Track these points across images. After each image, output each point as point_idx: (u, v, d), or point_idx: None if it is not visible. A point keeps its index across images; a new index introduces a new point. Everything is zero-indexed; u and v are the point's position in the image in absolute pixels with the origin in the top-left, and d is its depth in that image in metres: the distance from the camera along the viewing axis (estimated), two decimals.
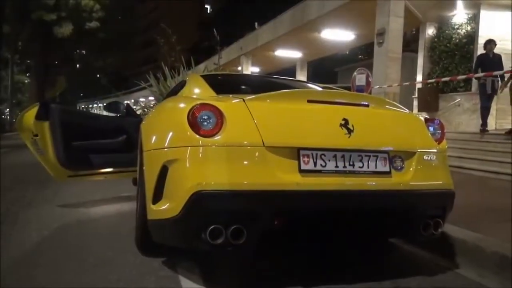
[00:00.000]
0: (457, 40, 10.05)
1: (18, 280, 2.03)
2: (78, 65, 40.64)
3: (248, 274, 2.26)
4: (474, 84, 9.33)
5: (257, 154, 1.88)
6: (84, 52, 33.21)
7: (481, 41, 9.10)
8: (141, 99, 31.40)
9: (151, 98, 14.00)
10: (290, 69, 18.69)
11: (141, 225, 2.29)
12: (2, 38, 19.95)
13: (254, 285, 2.03)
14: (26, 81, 32.08)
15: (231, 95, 2.19)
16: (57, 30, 23.52)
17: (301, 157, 1.94)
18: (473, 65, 8.04)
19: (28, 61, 30.41)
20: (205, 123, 1.90)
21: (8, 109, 24.54)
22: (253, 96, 2.06)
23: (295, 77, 15.29)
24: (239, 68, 18.44)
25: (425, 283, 2.17)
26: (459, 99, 9.59)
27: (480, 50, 9.03)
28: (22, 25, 23.45)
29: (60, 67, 33.91)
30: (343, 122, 2.02)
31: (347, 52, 24.72)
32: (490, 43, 7.44)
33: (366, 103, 2.22)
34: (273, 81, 3.39)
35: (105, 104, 4.24)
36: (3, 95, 23.82)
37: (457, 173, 5.72)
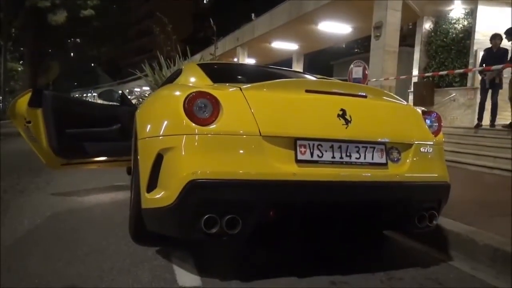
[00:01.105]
0: (453, 35, 10.05)
1: (9, 269, 2.00)
2: (72, 54, 40.25)
3: (243, 264, 2.26)
4: (470, 79, 9.36)
5: (253, 143, 1.86)
6: (78, 40, 32.86)
7: (478, 36, 9.13)
8: (136, 89, 31.17)
9: (146, 88, 13.88)
10: (286, 61, 18.60)
11: (135, 214, 2.27)
12: None
13: (248, 274, 2.02)
14: (19, 69, 31.67)
15: (227, 84, 2.16)
16: (51, 18, 23.17)
17: (298, 147, 1.92)
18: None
19: (22, 48, 29.99)
20: (201, 111, 1.88)
21: (1, 97, 24.22)
22: (250, 85, 2.03)
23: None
24: (235, 59, 18.34)
25: (418, 274, 2.17)
26: (454, 94, 9.62)
27: (477, 45, 9.07)
28: (16, 12, 23.09)
29: (54, 55, 33.54)
30: (340, 112, 2.01)
31: (343, 46, 24.67)
32: (495, 38, 7.26)
33: (364, 94, 2.20)
34: (270, 71, 3.36)
35: (99, 93, 4.19)
36: None
37: (452, 168, 5.74)
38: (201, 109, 1.89)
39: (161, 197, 1.93)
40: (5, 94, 24.77)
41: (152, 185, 2.02)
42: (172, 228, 2.01)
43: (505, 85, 7.06)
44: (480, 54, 8.91)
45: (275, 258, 2.35)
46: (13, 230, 2.60)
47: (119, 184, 4.17)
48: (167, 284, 1.91)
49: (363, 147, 2.04)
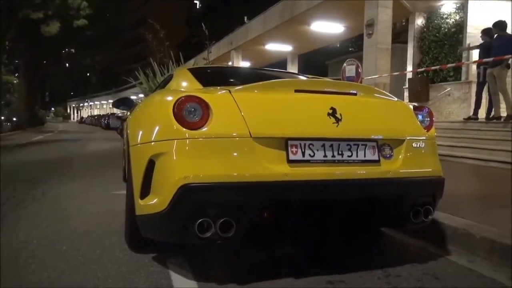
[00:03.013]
0: (446, 30, 10.09)
1: (2, 280, 1.99)
2: (67, 64, 40.30)
3: (239, 266, 2.25)
4: (464, 73, 9.40)
5: (244, 145, 1.86)
6: (72, 50, 32.90)
7: (470, 30, 9.17)
8: (132, 97, 31.15)
9: (142, 95, 13.88)
10: (281, 63, 18.63)
11: (130, 221, 2.26)
12: None
13: (245, 277, 2.02)
14: (14, 81, 31.66)
15: (217, 87, 2.16)
16: (44, 29, 23.18)
17: (289, 148, 1.92)
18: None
19: (16, 61, 30.01)
20: (191, 115, 1.88)
21: None
22: (239, 87, 2.03)
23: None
24: (230, 63, 18.35)
25: (416, 270, 2.17)
26: (449, 89, 9.65)
27: (469, 39, 9.10)
28: (9, 25, 23.08)
29: (48, 66, 33.56)
30: (330, 111, 2.01)
31: (338, 45, 24.74)
32: (483, 33, 7.36)
33: (354, 92, 2.20)
34: (261, 73, 3.37)
35: (114, 101, 4.10)
36: None
37: (448, 162, 5.75)
38: (190, 113, 1.88)
39: (154, 203, 1.92)
40: (1, 107, 24.73)
41: (145, 192, 2.02)
42: (166, 234, 2.01)
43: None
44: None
45: (271, 260, 2.35)
46: (8, 241, 2.58)
47: (116, 192, 4.15)
48: None
49: (354, 144, 2.04)
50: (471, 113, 7.57)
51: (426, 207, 2.19)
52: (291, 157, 1.91)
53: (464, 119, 7.60)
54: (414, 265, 2.23)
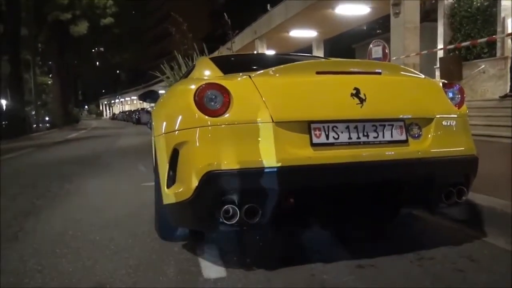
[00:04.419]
0: (478, 4, 9.59)
1: (41, 270, 2.07)
2: (97, 63, 41.45)
3: (267, 252, 2.25)
4: (499, 48, 8.94)
5: (266, 130, 1.84)
6: (101, 49, 33.80)
7: (504, 2, 8.67)
8: (161, 91, 31.63)
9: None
10: (306, 49, 18.36)
11: (159, 210, 2.30)
12: (21, 41, 20.41)
13: (273, 263, 2.01)
14: (49, 82, 32.84)
15: (238, 73, 2.14)
16: (73, 29, 23.92)
17: (312, 131, 1.88)
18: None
19: (50, 62, 31.14)
20: (212, 103, 1.88)
21: (33, 111, 25.20)
22: (259, 72, 2.01)
23: None
24: (255, 52, 18.26)
25: (450, 253, 2.10)
26: (483, 66, 9.20)
27: (504, 12, 8.62)
28: (40, 27, 23.93)
29: (80, 65, 34.62)
30: (354, 91, 1.95)
31: (364, 28, 24.11)
32: None
33: (378, 71, 2.13)
34: (282, 58, 3.31)
35: (140, 94, 4.18)
36: (28, 97, 24.49)
37: (485, 141, 5.52)
38: (211, 100, 1.88)
39: (180, 191, 1.94)
40: (38, 108, 25.76)
41: (171, 181, 2.04)
42: (192, 221, 2.03)
43: None
44: (508, 21, 8.50)
45: (299, 245, 2.34)
46: (45, 233, 2.69)
47: (146, 184, 4.24)
48: (193, 276, 1.93)
49: (380, 125, 1.98)
50: (508, 90, 7.21)
51: (459, 187, 2.10)
52: (315, 140, 1.88)
53: (500, 97, 7.23)
54: (449, 248, 2.16)
